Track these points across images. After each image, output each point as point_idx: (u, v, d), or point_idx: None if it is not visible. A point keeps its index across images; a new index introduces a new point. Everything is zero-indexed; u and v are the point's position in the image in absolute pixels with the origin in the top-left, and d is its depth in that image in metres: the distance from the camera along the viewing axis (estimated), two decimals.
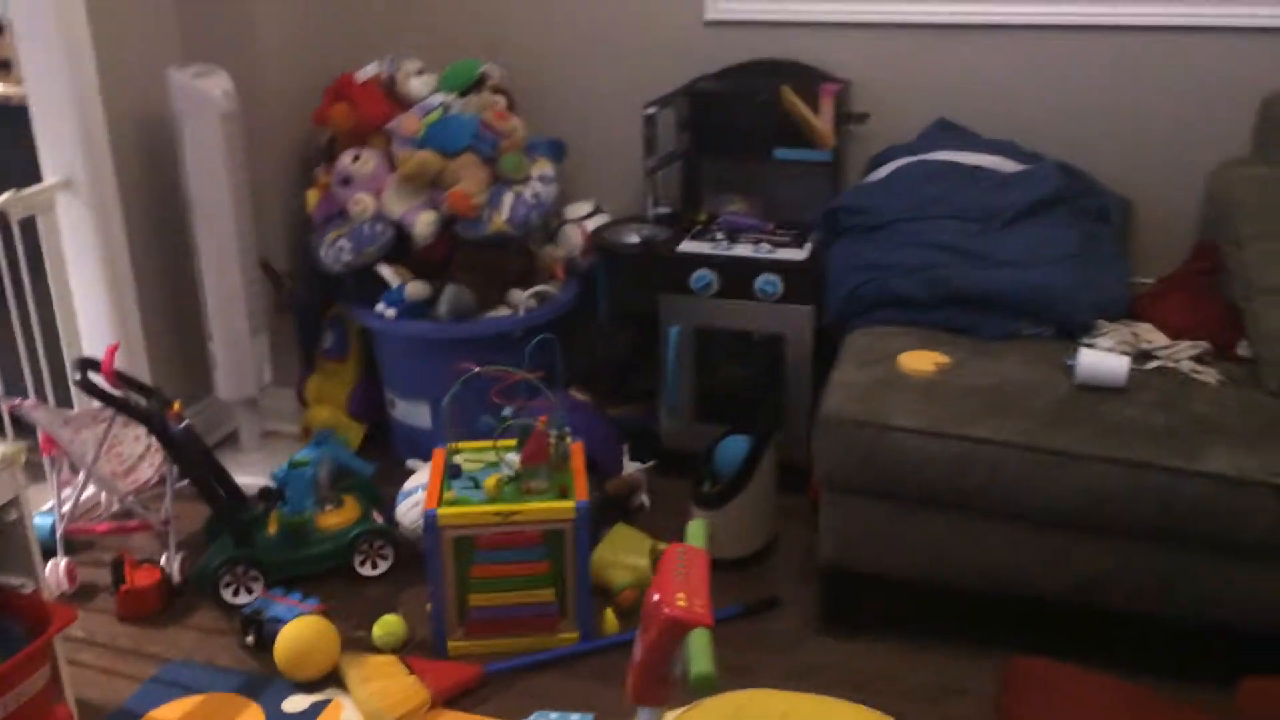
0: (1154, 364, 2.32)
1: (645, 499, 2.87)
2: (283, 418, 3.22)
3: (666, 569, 1.46)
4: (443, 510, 2.23)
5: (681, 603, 1.38)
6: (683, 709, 1.83)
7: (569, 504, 2.24)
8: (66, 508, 2.53)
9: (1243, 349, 2.33)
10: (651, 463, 2.90)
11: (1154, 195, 2.75)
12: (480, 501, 2.26)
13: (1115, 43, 2.68)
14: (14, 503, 1.86)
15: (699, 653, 1.33)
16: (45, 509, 2.64)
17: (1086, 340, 2.40)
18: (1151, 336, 2.38)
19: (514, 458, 2.34)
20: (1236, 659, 2.09)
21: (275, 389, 3.18)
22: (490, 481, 2.27)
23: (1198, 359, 2.33)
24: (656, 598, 1.42)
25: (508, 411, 2.36)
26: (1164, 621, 2.14)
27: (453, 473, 2.35)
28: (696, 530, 1.57)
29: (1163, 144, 2.72)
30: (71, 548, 2.64)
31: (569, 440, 2.42)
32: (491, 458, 2.39)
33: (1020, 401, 2.17)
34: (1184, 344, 2.34)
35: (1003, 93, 2.80)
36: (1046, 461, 2.06)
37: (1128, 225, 2.77)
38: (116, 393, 2.37)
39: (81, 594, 2.54)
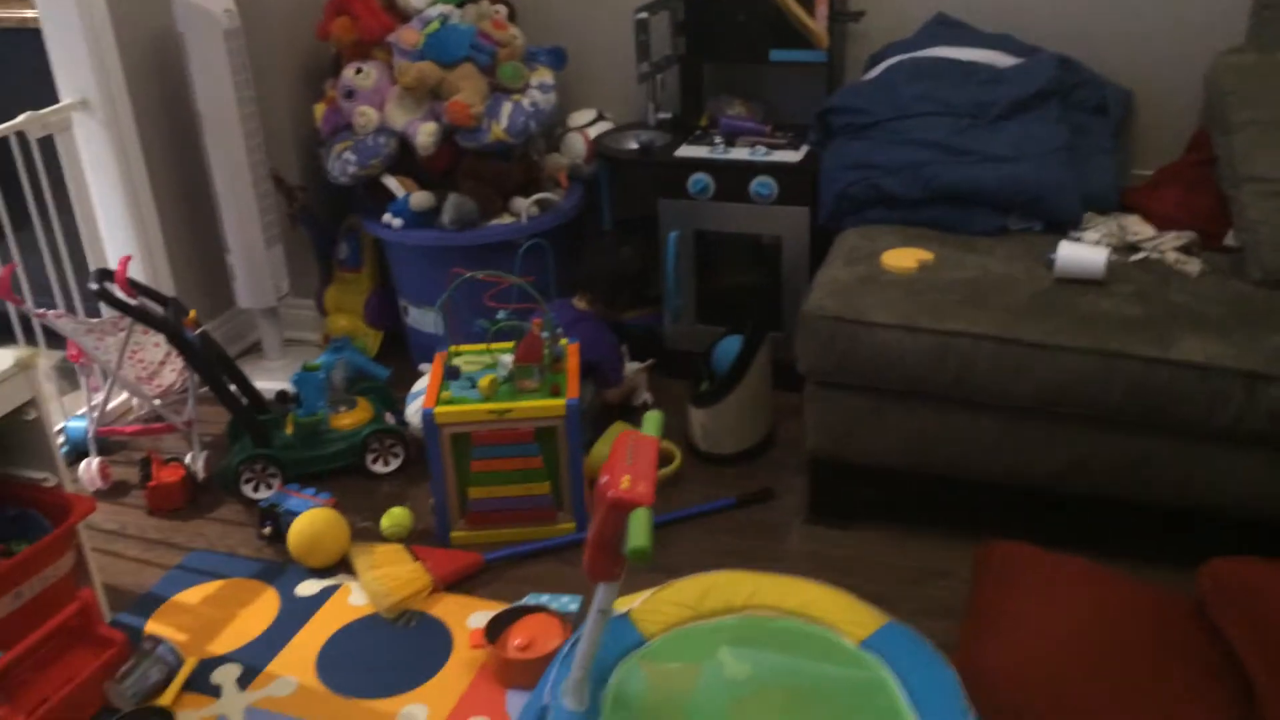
0: (1139, 256, 2.33)
1: (648, 397, 2.96)
2: (304, 326, 3.35)
3: (617, 454, 1.54)
4: (439, 409, 2.34)
5: (625, 485, 1.48)
6: (655, 589, 1.94)
7: (560, 402, 2.34)
8: (97, 411, 2.69)
9: (1230, 239, 2.33)
10: (650, 362, 2.98)
11: (1155, 86, 2.72)
12: (476, 400, 2.36)
13: None
14: (32, 403, 1.99)
15: (637, 529, 1.43)
16: (79, 414, 2.80)
17: (1074, 234, 2.42)
18: (1138, 229, 2.38)
19: (509, 359, 2.43)
20: (1205, 542, 2.14)
21: (296, 299, 3.30)
22: (485, 381, 2.36)
23: (1184, 250, 2.33)
24: (605, 480, 1.51)
25: (502, 314, 2.45)
26: (1139, 505, 2.19)
27: (452, 374, 2.45)
28: (651, 420, 1.66)
29: (1163, 34, 2.68)
30: (105, 449, 2.81)
31: (563, 341, 2.51)
32: (489, 360, 2.48)
33: (998, 295, 2.20)
34: (1169, 235, 2.35)
35: None
36: (1018, 352, 2.10)
37: (1128, 117, 2.74)
38: (132, 301, 2.50)
39: (114, 491, 2.71)
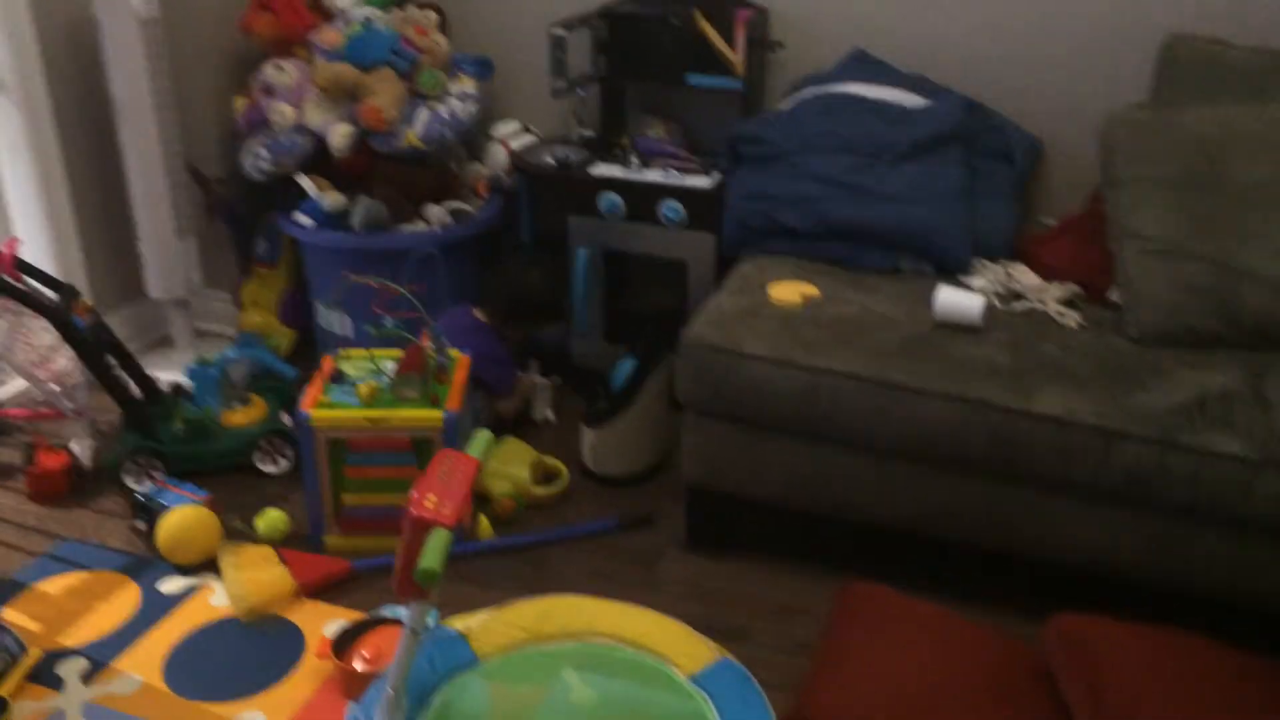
0: (1023, 305, 2.34)
1: (550, 413, 2.96)
2: (219, 319, 3.34)
3: (430, 472, 1.54)
4: (316, 412, 2.33)
5: (429, 504, 1.47)
6: (493, 609, 1.94)
7: (436, 413, 2.33)
8: None
9: (1114, 294, 2.34)
10: (554, 379, 2.98)
11: (1065, 136, 2.73)
12: (354, 406, 2.35)
13: None
14: None
15: (430, 550, 1.43)
16: None
17: (963, 278, 2.43)
18: (1024, 278, 2.39)
19: (392, 366, 2.42)
20: (1063, 595, 2.14)
21: (213, 291, 3.29)
22: (364, 388, 2.36)
23: (1066, 302, 2.34)
24: (414, 496, 1.51)
25: (388, 322, 2.45)
26: (1002, 555, 2.20)
27: (337, 377, 2.44)
28: (477, 441, 1.66)
29: (1073, 85, 2.69)
30: (2, 430, 2.80)
31: (454, 353, 2.50)
32: (376, 366, 2.47)
33: (872, 335, 2.21)
34: (1053, 286, 2.36)
35: (919, 27, 2.78)
36: (883, 394, 2.10)
37: (1036, 165, 2.75)
38: (18, 286, 2.49)
39: (0, 473, 2.70)
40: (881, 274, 2.46)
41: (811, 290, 2.35)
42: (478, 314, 2.79)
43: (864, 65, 2.78)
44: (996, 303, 2.32)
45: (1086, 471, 2.01)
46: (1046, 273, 2.44)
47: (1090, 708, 1.82)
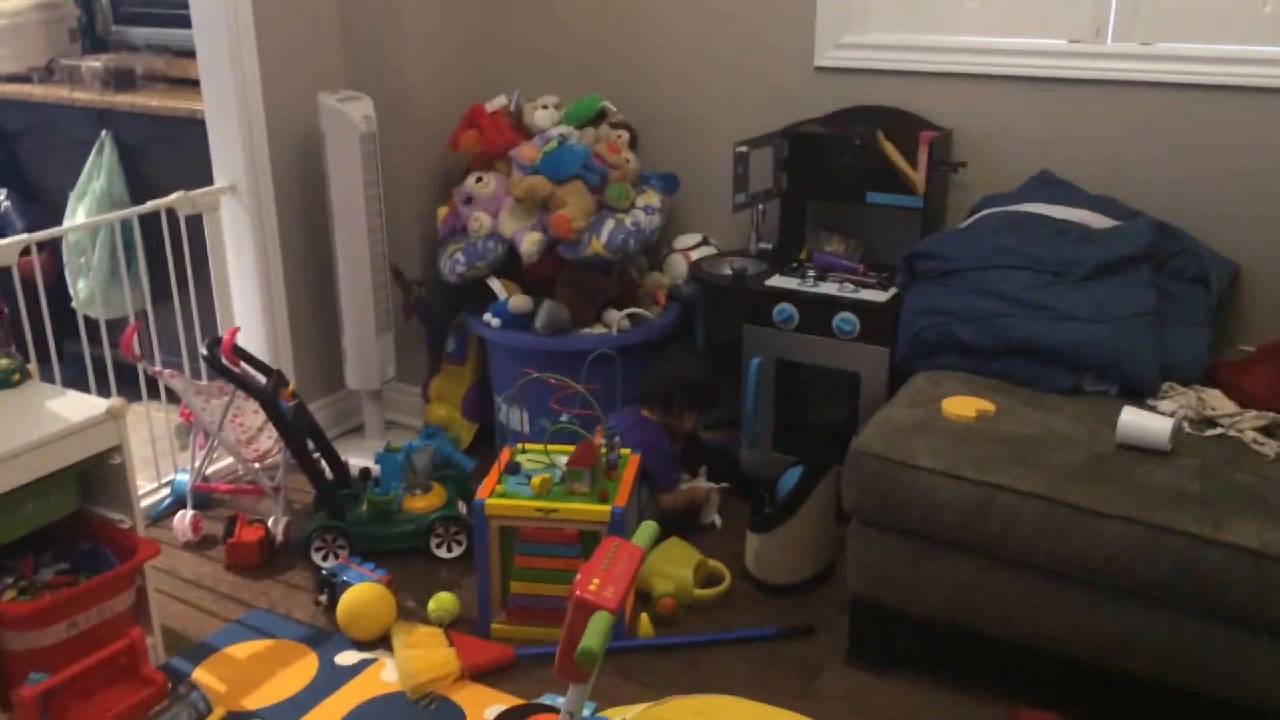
0: (1215, 431, 2.24)
1: (718, 519, 2.98)
2: (408, 411, 3.53)
3: (596, 558, 1.59)
4: (490, 500, 2.43)
5: (593, 587, 1.51)
6: (649, 704, 1.94)
7: (605, 508, 2.39)
8: (198, 467, 2.90)
9: None
10: (724, 485, 3.00)
11: (1264, 262, 2.63)
12: (526, 497, 2.44)
13: (1220, 103, 2.60)
14: (117, 449, 2.19)
15: (591, 631, 1.46)
16: (186, 468, 3.02)
17: (1150, 402, 2.34)
18: (1218, 403, 2.29)
19: (565, 460, 2.51)
20: None
21: (405, 385, 3.49)
22: (537, 480, 2.44)
23: (1264, 430, 2.22)
24: (578, 579, 1.55)
25: (564, 418, 2.54)
26: (1188, 694, 2.06)
27: (513, 469, 2.54)
28: (644, 531, 1.69)
29: (1274, 207, 2.60)
30: (204, 504, 3.02)
31: (625, 451, 2.57)
32: (550, 460, 2.56)
33: (1051, 454, 2.15)
34: (1250, 413, 2.25)
35: (1107, 148, 2.76)
36: (1062, 515, 2.04)
37: (1233, 291, 2.65)
38: (234, 369, 2.71)
39: (203, 543, 2.90)
40: (1061, 393, 2.41)
41: (987, 406, 2.32)
42: (644, 411, 2.87)
43: (1049, 186, 2.77)
44: (1187, 427, 2.23)
45: None
46: (1244, 400, 2.33)
47: None
